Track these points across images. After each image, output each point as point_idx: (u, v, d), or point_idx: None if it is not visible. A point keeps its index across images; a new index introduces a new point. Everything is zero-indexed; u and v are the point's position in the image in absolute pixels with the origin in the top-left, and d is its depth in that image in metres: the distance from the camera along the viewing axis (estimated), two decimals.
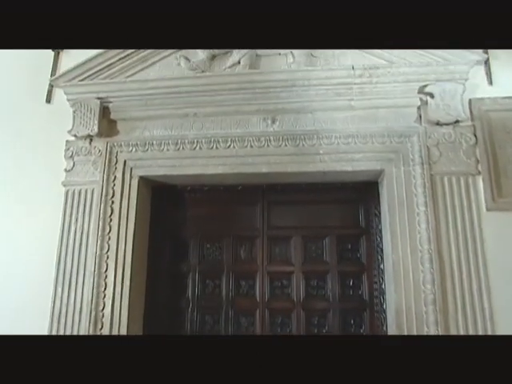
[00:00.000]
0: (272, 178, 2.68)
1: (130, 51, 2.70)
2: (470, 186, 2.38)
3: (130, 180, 2.66)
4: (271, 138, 2.58)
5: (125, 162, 2.68)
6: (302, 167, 2.56)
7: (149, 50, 2.72)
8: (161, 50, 2.73)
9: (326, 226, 2.79)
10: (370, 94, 2.52)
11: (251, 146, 2.59)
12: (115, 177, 2.65)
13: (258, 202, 2.88)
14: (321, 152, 2.53)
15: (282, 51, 2.68)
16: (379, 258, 2.64)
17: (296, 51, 2.63)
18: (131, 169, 2.68)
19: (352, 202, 2.80)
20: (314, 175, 2.62)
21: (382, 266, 2.62)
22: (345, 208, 2.81)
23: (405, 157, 2.48)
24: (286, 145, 2.56)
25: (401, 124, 2.51)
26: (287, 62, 2.68)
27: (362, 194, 2.78)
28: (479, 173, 2.40)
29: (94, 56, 2.70)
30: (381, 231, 2.64)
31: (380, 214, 2.65)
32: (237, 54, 2.67)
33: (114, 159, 2.67)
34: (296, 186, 2.79)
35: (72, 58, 2.82)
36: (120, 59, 2.71)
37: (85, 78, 2.72)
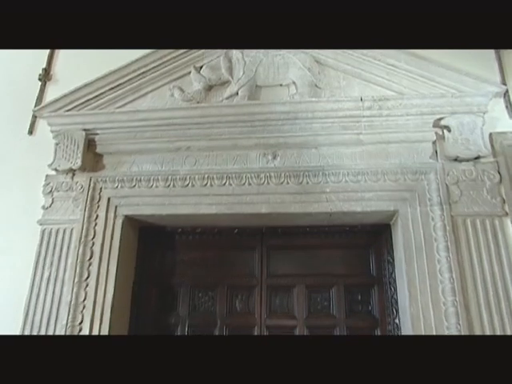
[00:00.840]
0: (272, 219, 2.48)
1: (121, 81, 2.62)
2: (496, 229, 2.18)
3: (114, 219, 2.45)
4: (272, 174, 2.41)
5: (109, 199, 2.48)
6: (305, 207, 2.37)
7: (141, 81, 2.62)
8: (154, 80, 2.64)
9: (332, 274, 2.56)
10: (380, 127, 2.40)
11: (249, 184, 2.42)
12: (97, 215, 2.44)
13: (256, 246, 2.66)
14: (327, 190, 2.37)
15: (284, 82, 2.58)
16: (394, 311, 2.40)
17: (299, 82, 2.54)
18: (116, 207, 2.47)
19: (362, 247, 2.60)
20: (319, 216, 2.42)
21: (397, 321, 2.37)
22: (354, 254, 2.60)
23: (421, 196, 2.30)
24: (288, 182, 2.40)
25: (415, 160, 2.36)
26: (289, 93, 2.58)
27: (372, 237, 2.58)
28: (506, 214, 2.19)
29: (82, 86, 2.61)
30: (395, 280, 2.42)
31: (394, 260, 2.45)
32: (235, 85, 2.57)
33: (97, 196, 2.47)
34: (299, 229, 2.58)
35: (59, 87, 2.72)
36: (110, 89, 2.62)
37: (71, 109, 2.60)
